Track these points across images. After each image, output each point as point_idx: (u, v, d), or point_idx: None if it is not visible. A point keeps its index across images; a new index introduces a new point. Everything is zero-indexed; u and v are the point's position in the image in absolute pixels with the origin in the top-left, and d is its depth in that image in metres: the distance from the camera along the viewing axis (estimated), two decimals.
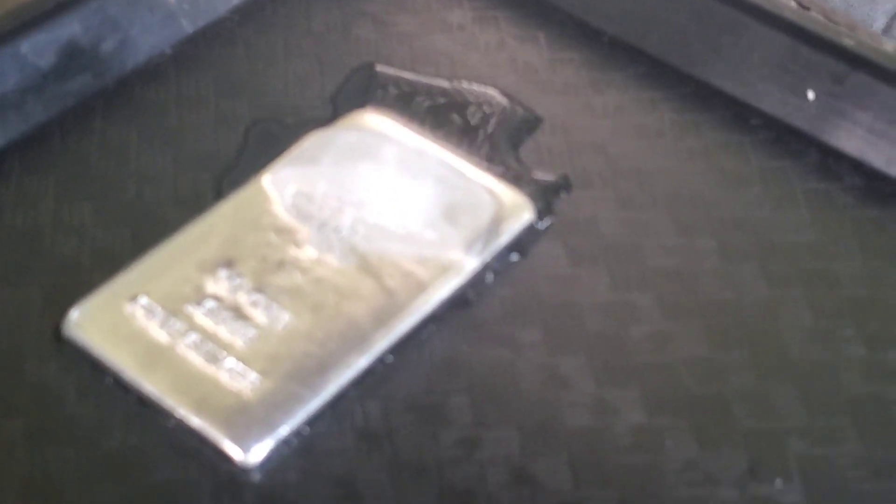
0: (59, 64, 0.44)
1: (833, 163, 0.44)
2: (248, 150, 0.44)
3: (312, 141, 0.42)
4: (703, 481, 0.35)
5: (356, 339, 0.37)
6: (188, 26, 0.47)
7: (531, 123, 0.45)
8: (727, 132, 0.45)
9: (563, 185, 0.43)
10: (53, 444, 0.35)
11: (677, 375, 0.38)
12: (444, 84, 0.46)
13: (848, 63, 0.44)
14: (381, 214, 0.40)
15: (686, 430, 0.36)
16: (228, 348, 0.37)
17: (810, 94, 0.45)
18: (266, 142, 0.44)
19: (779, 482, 0.35)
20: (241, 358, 0.36)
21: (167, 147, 0.43)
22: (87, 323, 0.37)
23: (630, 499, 0.35)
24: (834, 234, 0.42)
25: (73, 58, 0.44)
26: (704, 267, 0.41)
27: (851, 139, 0.44)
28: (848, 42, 0.45)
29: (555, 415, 0.37)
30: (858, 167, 0.44)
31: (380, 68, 0.47)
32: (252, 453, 0.35)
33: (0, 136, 0.43)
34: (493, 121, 0.45)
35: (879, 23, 0.91)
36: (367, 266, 0.39)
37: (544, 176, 0.43)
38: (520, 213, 0.41)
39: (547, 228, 0.42)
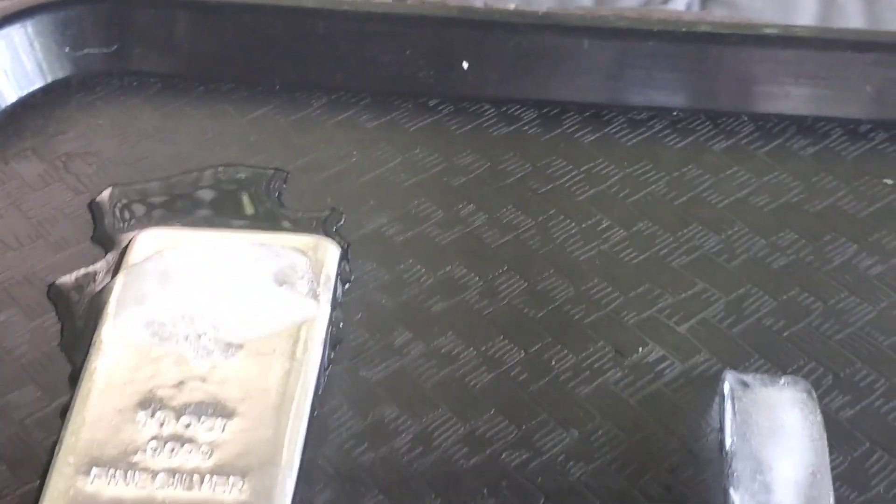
0: None
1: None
2: (60, 311, 0.46)
3: (125, 283, 0.45)
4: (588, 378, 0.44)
5: (288, 407, 0.42)
6: None
7: (279, 177, 0.51)
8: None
9: (335, 216, 0.49)
10: None
11: (515, 310, 0.46)
12: (183, 179, 0.50)
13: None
14: (228, 308, 0.44)
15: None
16: (198, 471, 0.40)
17: (465, 64, 0.54)
18: (67, 298, 0.46)
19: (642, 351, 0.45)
20: (214, 472, 0.40)
21: None
22: None
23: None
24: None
25: None
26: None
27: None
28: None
29: (462, 382, 0.44)
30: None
31: (115, 191, 0.50)
32: None
33: None
34: (249, 189, 0.50)
35: None
36: (250, 350, 0.44)
37: (318, 214, 0.49)
38: (327, 250, 0.47)
39: (348, 251, 0.48)
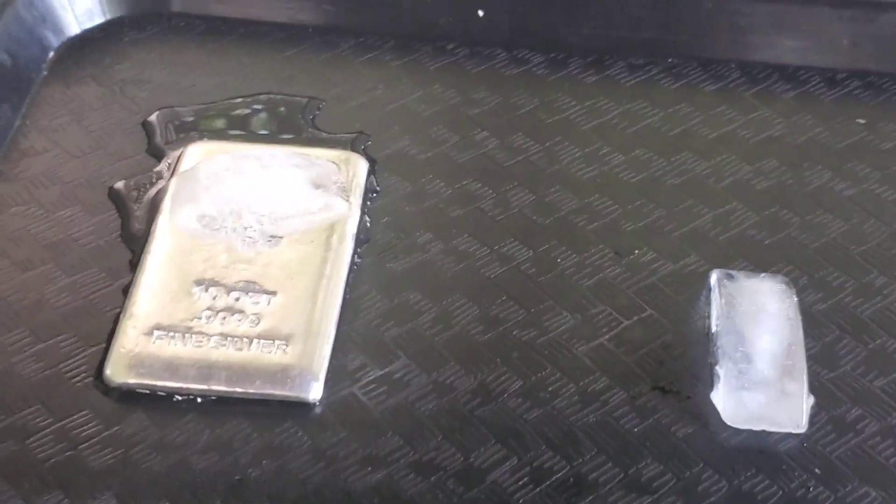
0: None
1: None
2: (119, 209, 0.51)
3: (178, 184, 0.51)
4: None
5: (325, 286, 0.47)
6: None
7: (314, 104, 0.56)
8: None
9: (363, 137, 0.55)
10: (170, 459, 0.43)
11: (524, 217, 0.52)
12: (228, 103, 0.56)
13: None
14: (271, 205, 0.50)
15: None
16: (247, 335, 0.46)
17: (480, 13, 0.60)
18: (125, 199, 0.52)
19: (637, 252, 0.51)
20: (261, 337, 0.46)
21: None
22: (124, 369, 0.45)
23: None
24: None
25: None
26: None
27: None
28: None
29: (478, 274, 0.49)
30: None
31: (165, 112, 0.55)
32: (313, 392, 0.45)
33: None
34: (287, 112, 0.56)
35: None
36: (290, 241, 0.49)
37: (348, 135, 0.55)
38: (356, 163, 0.53)
39: (375, 167, 0.54)
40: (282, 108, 0.56)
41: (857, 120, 0.57)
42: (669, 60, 0.59)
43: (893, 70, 0.59)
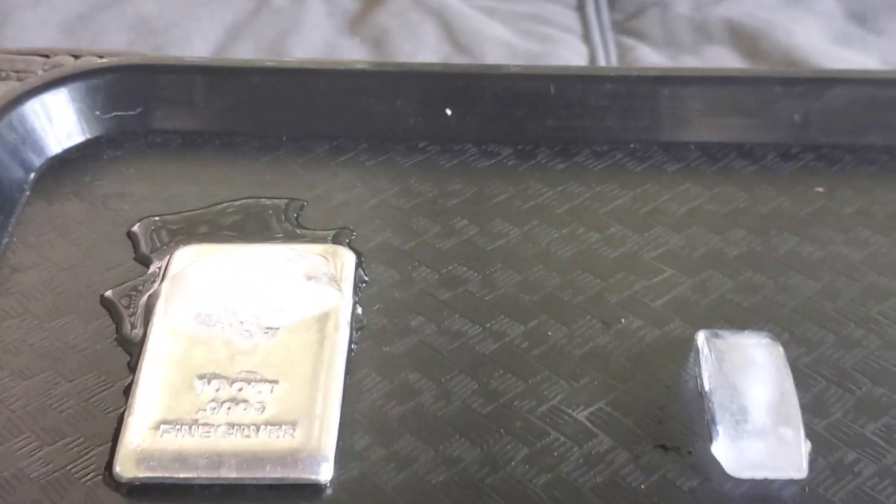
0: None
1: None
2: (113, 315, 0.52)
3: (170, 286, 0.52)
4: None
5: (326, 370, 0.48)
6: None
7: (296, 205, 0.58)
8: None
9: (346, 232, 0.56)
10: None
11: (512, 296, 0.53)
12: (211, 209, 0.57)
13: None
14: (265, 299, 0.51)
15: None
16: (253, 423, 0.46)
17: (448, 111, 0.62)
18: (118, 305, 0.52)
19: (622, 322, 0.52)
20: (267, 423, 0.46)
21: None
22: (133, 464, 0.45)
23: None
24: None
25: None
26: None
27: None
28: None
29: (473, 350, 0.51)
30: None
31: (150, 220, 0.57)
32: (323, 473, 0.45)
33: None
34: (270, 213, 0.57)
35: None
36: (287, 331, 0.50)
37: (332, 232, 0.56)
38: (343, 255, 0.54)
39: (362, 259, 0.55)
40: (264, 211, 0.57)
41: (816, 188, 0.60)
42: (632, 145, 0.62)
43: (844, 141, 0.62)
